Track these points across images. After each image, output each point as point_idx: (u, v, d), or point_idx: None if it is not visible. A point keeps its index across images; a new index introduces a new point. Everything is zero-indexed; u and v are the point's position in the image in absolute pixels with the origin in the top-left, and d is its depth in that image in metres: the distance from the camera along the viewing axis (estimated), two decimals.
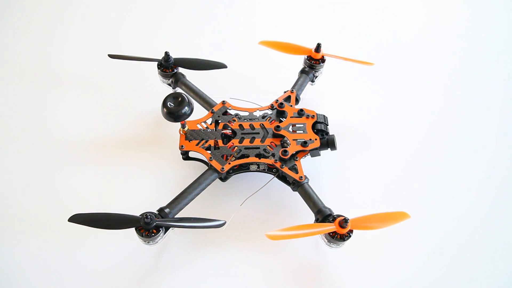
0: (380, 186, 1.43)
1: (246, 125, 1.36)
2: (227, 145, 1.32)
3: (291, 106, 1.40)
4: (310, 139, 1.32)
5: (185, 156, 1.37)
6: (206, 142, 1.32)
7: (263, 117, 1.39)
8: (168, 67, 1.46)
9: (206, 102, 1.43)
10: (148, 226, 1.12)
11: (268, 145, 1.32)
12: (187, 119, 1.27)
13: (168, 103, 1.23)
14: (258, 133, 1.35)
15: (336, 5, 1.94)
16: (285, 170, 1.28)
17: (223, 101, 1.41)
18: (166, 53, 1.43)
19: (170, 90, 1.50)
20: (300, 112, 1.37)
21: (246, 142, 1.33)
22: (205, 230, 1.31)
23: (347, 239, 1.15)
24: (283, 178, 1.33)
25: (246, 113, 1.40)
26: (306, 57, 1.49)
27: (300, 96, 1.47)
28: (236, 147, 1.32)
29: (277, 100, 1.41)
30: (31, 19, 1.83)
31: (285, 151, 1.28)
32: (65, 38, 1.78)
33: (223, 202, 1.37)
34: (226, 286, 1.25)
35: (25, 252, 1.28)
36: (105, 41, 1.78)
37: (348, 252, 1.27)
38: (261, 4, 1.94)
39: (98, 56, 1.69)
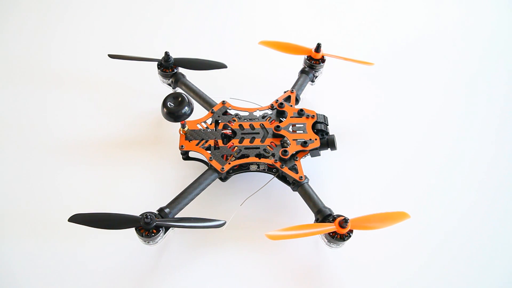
0: (380, 186, 1.43)
1: (246, 125, 1.36)
2: (227, 145, 1.32)
3: (291, 106, 1.40)
4: (310, 139, 1.32)
5: (185, 156, 1.37)
6: (206, 142, 1.32)
7: (263, 117, 1.39)
8: (168, 67, 1.46)
9: (206, 102, 1.43)
10: (148, 226, 1.12)
11: (268, 145, 1.32)
12: (187, 119, 1.27)
13: (168, 103, 1.23)
14: (258, 133, 1.35)
15: (336, 5, 1.94)
16: (285, 170, 1.28)
17: (223, 101, 1.41)
18: (166, 53, 1.43)
19: (170, 90, 1.50)
20: (300, 112, 1.37)
21: (246, 142, 1.33)
22: (205, 230, 1.31)
23: (347, 239, 1.15)
24: (283, 178, 1.33)
25: (246, 113, 1.40)
26: (306, 57, 1.49)
27: (300, 96, 1.47)
28: (236, 147, 1.31)
29: (277, 100, 1.41)
30: (31, 19, 1.83)
31: (285, 151, 1.28)
32: (65, 38, 1.78)
33: (223, 202, 1.37)
34: (226, 286, 1.25)
35: (25, 252, 1.28)
36: (105, 41, 1.78)
37: (348, 252, 1.27)
38: (261, 4, 1.94)
39: (98, 56, 1.69)
